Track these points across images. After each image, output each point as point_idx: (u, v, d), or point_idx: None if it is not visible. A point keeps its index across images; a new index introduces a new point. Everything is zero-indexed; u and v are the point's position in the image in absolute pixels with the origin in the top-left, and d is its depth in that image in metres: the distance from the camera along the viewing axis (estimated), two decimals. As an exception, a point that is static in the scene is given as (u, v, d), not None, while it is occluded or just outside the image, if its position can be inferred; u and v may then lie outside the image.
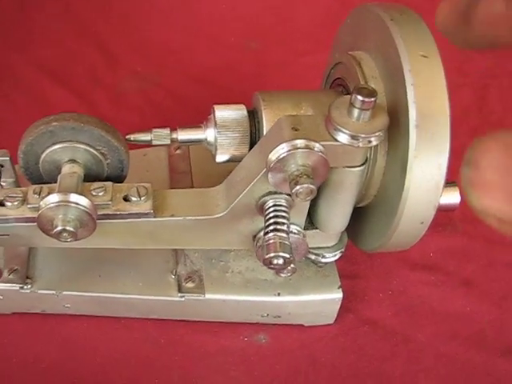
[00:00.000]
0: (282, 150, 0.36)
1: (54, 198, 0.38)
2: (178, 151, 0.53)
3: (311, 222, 0.43)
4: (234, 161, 0.43)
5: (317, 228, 0.43)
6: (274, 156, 0.36)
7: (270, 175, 0.37)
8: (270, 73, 0.67)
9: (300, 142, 0.36)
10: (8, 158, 0.44)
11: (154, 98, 0.63)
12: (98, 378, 0.44)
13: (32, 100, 0.62)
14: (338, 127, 0.36)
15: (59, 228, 0.37)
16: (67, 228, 0.37)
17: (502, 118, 0.63)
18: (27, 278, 0.45)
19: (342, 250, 0.45)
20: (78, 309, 0.46)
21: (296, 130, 0.37)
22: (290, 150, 0.36)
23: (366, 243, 0.44)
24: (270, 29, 0.71)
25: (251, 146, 0.42)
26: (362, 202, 0.43)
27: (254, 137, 0.42)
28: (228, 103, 0.43)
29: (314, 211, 0.42)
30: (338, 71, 0.45)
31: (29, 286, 0.45)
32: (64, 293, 0.45)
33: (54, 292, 0.45)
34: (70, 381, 0.44)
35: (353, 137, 0.36)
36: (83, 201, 0.38)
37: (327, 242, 0.45)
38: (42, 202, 0.38)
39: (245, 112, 0.42)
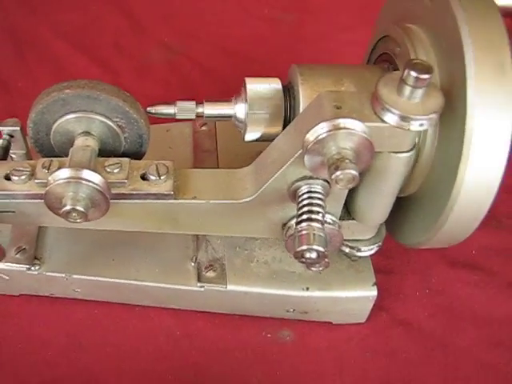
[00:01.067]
0: (321, 130, 0.32)
1: (64, 174, 0.34)
2: (203, 128, 0.49)
3: (348, 211, 0.39)
4: (265, 140, 0.39)
5: (353, 219, 0.39)
6: (312, 136, 0.32)
7: (306, 158, 0.32)
8: (305, 48, 0.62)
9: (343, 122, 0.31)
10: (19, 128, 0.40)
11: (181, 69, 0.60)
12: (106, 370, 0.41)
13: (52, 68, 0.58)
14: (387, 106, 0.31)
15: (68, 207, 0.33)
16: (77, 207, 0.33)
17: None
18: (35, 258, 0.42)
19: (380, 243, 0.41)
20: (88, 294, 0.43)
21: (338, 108, 0.32)
22: (330, 130, 0.31)
23: (407, 237, 0.40)
24: (307, 1, 0.66)
25: (285, 124, 0.38)
26: (406, 192, 0.39)
27: (288, 114, 0.38)
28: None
29: (352, 200, 0.38)
30: (385, 45, 0.41)
31: (37, 268, 0.42)
32: (74, 276, 0.41)
33: (63, 275, 0.41)
34: (78, 371, 0.41)
35: (403, 118, 0.31)
36: (96, 178, 0.34)
37: (364, 235, 0.40)
38: (50, 177, 0.34)
39: (279, 86, 0.38)
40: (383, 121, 0.32)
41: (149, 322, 0.43)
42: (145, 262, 0.42)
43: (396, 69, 0.39)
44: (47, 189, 0.34)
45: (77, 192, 0.34)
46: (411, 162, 0.35)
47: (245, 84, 0.38)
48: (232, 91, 0.52)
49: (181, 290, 0.41)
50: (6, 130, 0.40)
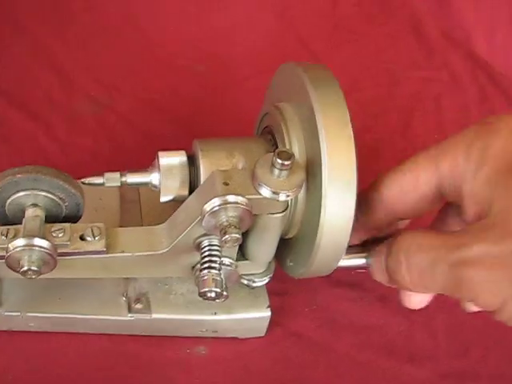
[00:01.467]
0: (214, 204, 0.44)
1: (20, 242, 0.45)
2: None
3: (242, 254, 0.52)
4: (176, 201, 0.51)
5: (247, 259, 0.52)
6: (208, 207, 0.44)
7: (204, 222, 0.45)
8: (215, 96, 0.75)
9: (230, 198, 0.44)
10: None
11: (107, 121, 0.70)
12: (58, 385, 0.53)
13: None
14: (262, 183, 0.44)
15: (25, 268, 0.45)
16: (32, 268, 0.45)
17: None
18: (-5, 301, 0.53)
19: (270, 275, 0.54)
20: (40, 327, 0.54)
21: (226, 185, 0.45)
22: (220, 205, 0.44)
23: (292, 270, 0.53)
24: (216, 53, 0.78)
25: (191, 188, 0.51)
26: (287, 236, 0.52)
27: (193, 181, 0.50)
28: (170, 149, 0.51)
29: (244, 246, 0.51)
30: (267, 120, 0.54)
31: (-4, 309, 0.53)
32: (28, 314, 0.53)
33: (19, 313, 0.53)
34: (34, 390, 0.53)
35: (274, 192, 0.44)
36: (45, 244, 0.45)
37: (257, 270, 0.53)
38: (10, 245, 0.45)
39: (185, 159, 0.50)
40: (260, 194, 0.45)
41: (91, 345, 0.54)
42: (85, 298, 0.53)
43: (275, 140, 0.52)
44: (8, 254, 0.45)
45: (31, 256, 0.45)
46: (285, 219, 0.49)
47: (158, 157, 0.50)
48: (150, 140, 0.64)
49: (115, 319, 0.53)
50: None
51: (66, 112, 0.71)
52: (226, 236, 0.44)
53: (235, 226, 0.44)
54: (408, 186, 0.48)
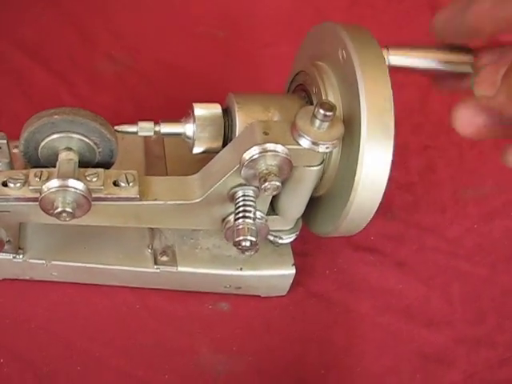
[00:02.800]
0: (254, 152, 0.44)
1: (54, 183, 0.44)
2: (153, 137, 0.60)
3: (273, 209, 0.52)
4: (208, 153, 0.50)
5: (277, 214, 0.51)
6: (247, 156, 0.44)
7: (242, 171, 0.44)
8: (235, 62, 0.74)
9: (269, 146, 0.44)
10: (5, 141, 0.50)
11: (128, 81, 0.70)
12: (80, 337, 0.52)
13: (14, 79, 0.67)
14: (302, 134, 0.44)
15: (59, 209, 0.44)
16: (66, 209, 0.44)
17: (441, 116, 0.73)
18: (19, 248, 0.52)
19: (297, 233, 0.54)
20: (63, 277, 0.53)
21: (266, 134, 0.45)
22: (261, 152, 0.44)
23: (319, 228, 0.53)
24: (237, 20, 0.78)
25: (224, 141, 0.50)
26: (318, 193, 0.51)
27: (227, 133, 0.50)
28: (205, 98, 0.50)
29: (276, 201, 0.50)
30: (301, 78, 0.53)
31: (21, 256, 0.52)
32: (52, 262, 0.52)
33: (43, 261, 0.52)
34: (57, 339, 0.51)
35: (313, 143, 0.44)
36: (80, 185, 0.44)
37: (285, 226, 0.53)
38: (44, 187, 0.44)
39: (220, 110, 0.50)
40: (299, 144, 0.45)
41: (114, 298, 0.54)
42: (111, 249, 0.53)
43: (310, 97, 0.51)
44: (42, 196, 0.44)
45: (65, 197, 0.45)
46: (320, 173, 0.48)
47: (193, 108, 0.50)
48: (171, 101, 0.63)
49: (141, 271, 0.53)
50: (-6, 142, 0.51)
51: (88, 71, 0.70)
52: (266, 184, 0.43)
53: (275, 174, 0.43)
54: None
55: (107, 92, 0.68)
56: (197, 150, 0.50)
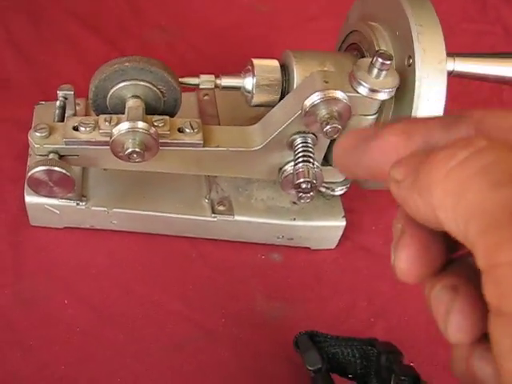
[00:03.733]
0: (315, 98, 0.47)
1: (125, 126, 0.47)
2: (205, 97, 0.63)
3: (326, 160, 0.54)
4: (265, 105, 0.53)
5: (330, 165, 0.54)
6: (308, 102, 0.47)
7: (304, 117, 0.47)
8: (278, 35, 0.77)
9: (330, 92, 0.47)
10: (73, 92, 0.53)
11: (177, 50, 0.73)
12: (139, 283, 0.55)
13: (67, 44, 0.70)
14: (361, 81, 0.47)
15: (130, 150, 0.47)
16: (137, 150, 0.47)
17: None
18: (82, 195, 0.55)
19: (348, 185, 0.56)
20: (122, 225, 0.56)
21: (327, 83, 0.48)
22: (322, 98, 0.46)
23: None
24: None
25: (281, 94, 0.53)
26: (368, 147, 0.54)
27: (284, 86, 0.53)
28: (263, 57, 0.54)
29: (330, 151, 0.53)
30: (354, 37, 0.56)
31: (84, 203, 0.55)
32: (113, 210, 0.55)
33: (105, 209, 0.55)
34: (117, 284, 0.54)
35: (371, 90, 0.47)
36: (149, 128, 0.47)
37: (337, 178, 0.56)
38: (114, 130, 0.47)
39: (278, 65, 0.53)
40: (358, 92, 0.47)
41: (170, 247, 0.57)
42: (169, 198, 0.56)
43: (363, 56, 0.54)
44: (113, 138, 0.48)
45: (135, 138, 0.48)
46: (374, 122, 0.51)
47: (252, 63, 0.53)
48: (219, 69, 0.66)
49: (198, 219, 0.56)
50: (62, 93, 0.54)
51: (138, 39, 0.73)
52: (328, 127, 0.46)
53: (336, 118, 0.46)
54: None
55: (157, 60, 0.71)
56: (255, 102, 0.53)
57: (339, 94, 0.46)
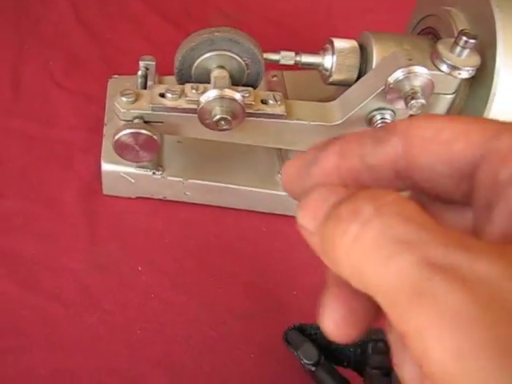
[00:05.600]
0: (399, 74, 0.50)
1: (213, 93, 0.51)
2: (274, 78, 0.66)
3: (400, 139, 0.57)
4: (341, 84, 0.57)
5: (404, 144, 0.57)
6: (392, 78, 0.50)
7: (388, 93, 0.50)
8: (337, 24, 0.80)
9: (414, 68, 0.50)
10: (154, 63, 0.57)
11: (240, 34, 0.76)
12: (212, 253, 0.58)
13: (132, 24, 0.74)
14: (444, 59, 0.50)
15: (218, 116, 0.50)
16: (224, 116, 0.50)
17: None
18: (159, 165, 0.58)
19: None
20: (195, 197, 0.59)
21: (410, 60, 0.51)
22: (406, 74, 0.50)
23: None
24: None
25: (359, 73, 0.56)
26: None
27: (362, 66, 0.56)
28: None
29: (404, 130, 0.56)
30: (429, 22, 0.59)
31: (160, 173, 0.58)
32: (189, 181, 0.58)
33: (180, 179, 0.58)
34: (190, 253, 0.57)
35: (453, 67, 0.50)
36: (236, 95, 0.51)
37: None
38: (202, 97, 0.51)
39: (356, 44, 0.56)
40: (440, 70, 0.51)
41: (241, 220, 0.60)
42: (243, 173, 0.59)
43: (437, 39, 0.57)
44: (201, 105, 0.51)
45: (222, 105, 0.51)
46: (450, 103, 0.54)
47: (332, 42, 0.56)
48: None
49: (272, 194, 0.59)
50: (144, 63, 0.57)
51: (201, 23, 0.76)
52: (413, 101, 0.49)
53: (420, 93, 0.49)
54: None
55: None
56: (334, 79, 0.56)
57: (423, 70, 0.50)
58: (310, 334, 0.49)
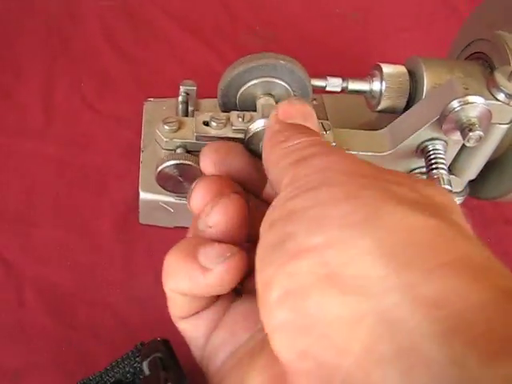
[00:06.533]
0: (456, 104, 0.48)
1: (260, 123, 0.49)
2: (314, 102, 0.65)
3: (449, 168, 0.56)
4: (390, 111, 0.55)
5: (454, 174, 0.56)
6: (449, 109, 0.49)
7: (444, 124, 0.49)
8: (370, 43, 0.79)
9: (471, 98, 0.48)
10: (195, 88, 0.56)
11: (273, 53, 0.75)
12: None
13: (165, 44, 0.73)
14: (501, 88, 0.49)
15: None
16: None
17: None
18: (199, 194, 0.56)
19: (465, 196, 0.58)
20: None
21: (466, 89, 0.49)
22: (462, 105, 0.48)
23: (486, 192, 0.57)
24: (372, 3, 0.83)
25: (408, 100, 0.55)
26: (491, 157, 0.56)
27: (411, 92, 0.55)
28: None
29: (455, 159, 0.55)
30: (479, 46, 0.58)
31: (200, 202, 0.56)
32: (229, 210, 0.56)
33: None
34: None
35: (511, 96, 0.49)
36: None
37: (457, 188, 0.57)
38: (250, 126, 0.49)
39: (405, 71, 0.55)
40: (496, 99, 0.49)
41: None
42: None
43: (491, 66, 0.56)
44: (250, 134, 0.49)
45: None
46: (505, 133, 0.53)
47: (380, 67, 0.54)
48: (314, 73, 0.68)
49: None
50: (184, 88, 0.56)
51: (233, 43, 0.75)
52: (470, 133, 0.47)
53: (478, 125, 0.48)
54: None
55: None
56: (382, 106, 0.55)
57: (480, 100, 0.48)
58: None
